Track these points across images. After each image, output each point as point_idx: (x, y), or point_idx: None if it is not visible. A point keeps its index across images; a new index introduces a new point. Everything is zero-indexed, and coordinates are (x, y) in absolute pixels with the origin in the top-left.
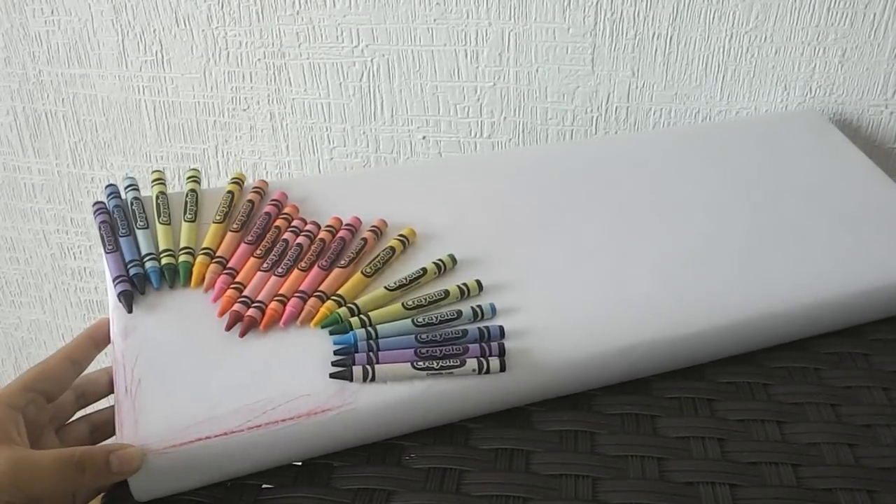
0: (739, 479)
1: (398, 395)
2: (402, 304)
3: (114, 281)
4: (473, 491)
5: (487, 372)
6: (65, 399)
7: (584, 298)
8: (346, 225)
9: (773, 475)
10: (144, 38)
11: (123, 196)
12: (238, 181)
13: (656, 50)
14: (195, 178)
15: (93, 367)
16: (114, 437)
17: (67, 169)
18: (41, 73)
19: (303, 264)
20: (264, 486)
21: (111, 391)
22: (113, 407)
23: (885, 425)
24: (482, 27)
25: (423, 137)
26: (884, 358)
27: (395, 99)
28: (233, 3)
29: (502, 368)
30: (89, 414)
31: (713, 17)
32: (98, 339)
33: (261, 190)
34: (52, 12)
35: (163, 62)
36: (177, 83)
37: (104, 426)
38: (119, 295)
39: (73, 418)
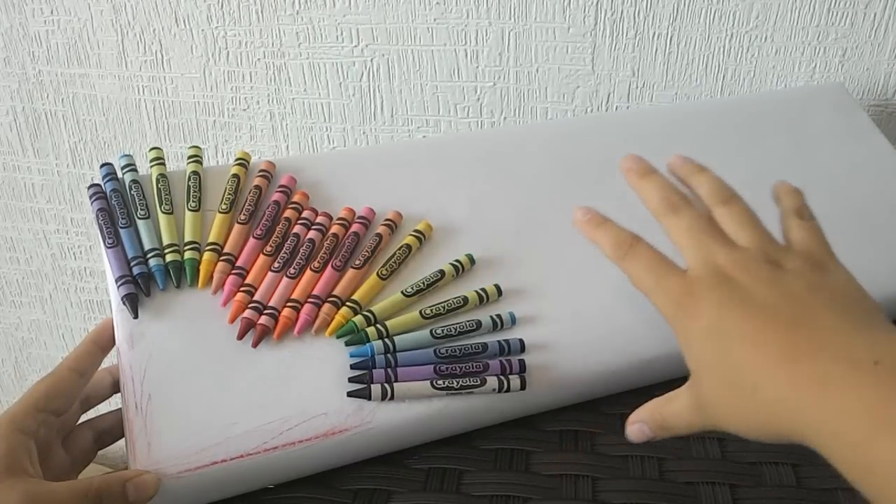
0: (739, 479)
1: (416, 413)
2: (420, 312)
3: (116, 282)
4: (473, 491)
5: (507, 391)
6: (71, 408)
7: (604, 306)
8: (360, 218)
9: (773, 475)
10: (144, 38)
11: (120, 176)
12: (243, 162)
13: (656, 50)
14: (197, 159)
15: None
16: (120, 450)
17: (67, 169)
18: (41, 73)
19: (316, 264)
20: (265, 485)
21: (115, 391)
22: (117, 412)
23: None
24: (482, 27)
25: (423, 137)
26: None
27: (395, 99)
28: (233, 2)
29: (523, 387)
30: (92, 419)
31: (713, 17)
32: (103, 343)
33: (268, 173)
34: (52, 12)
35: (162, 62)
36: (177, 83)
37: (108, 432)
38: (123, 298)
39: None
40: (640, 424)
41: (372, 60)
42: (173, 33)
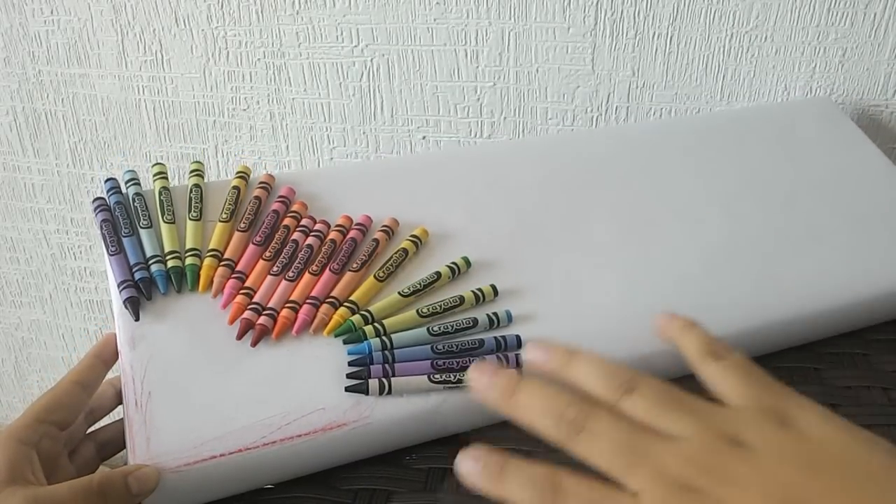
0: None
1: (414, 408)
2: (417, 311)
3: (118, 286)
4: (474, 491)
5: None
6: (76, 422)
7: (601, 304)
8: (357, 224)
9: None
10: (144, 38)
11: (124, 191)
12: (243, 175)
13: (656, 50)
14: (199, 172)
15: None
16: (121, 453)
17: (67, 169)
18: (41, 73)
19: (314, 268)
20: (265, 485)
21: (118, 403)
22: (118, 422)
23: (885, 425)
24: (482, 27)
25: (423, 137)
26: (884, 358)
27: (395, 99)
28: (233, 2)
29: None
30: (94, 431)
31: (713, 17)
32: (106, 357)
33: (267, 185)
34: (52, 12)
35: (162, 62)
36: (177, 83)
37: (110, 443)
38: (125, 302)
39: None
40: None
41: (372, 60)
42: (173, 33)
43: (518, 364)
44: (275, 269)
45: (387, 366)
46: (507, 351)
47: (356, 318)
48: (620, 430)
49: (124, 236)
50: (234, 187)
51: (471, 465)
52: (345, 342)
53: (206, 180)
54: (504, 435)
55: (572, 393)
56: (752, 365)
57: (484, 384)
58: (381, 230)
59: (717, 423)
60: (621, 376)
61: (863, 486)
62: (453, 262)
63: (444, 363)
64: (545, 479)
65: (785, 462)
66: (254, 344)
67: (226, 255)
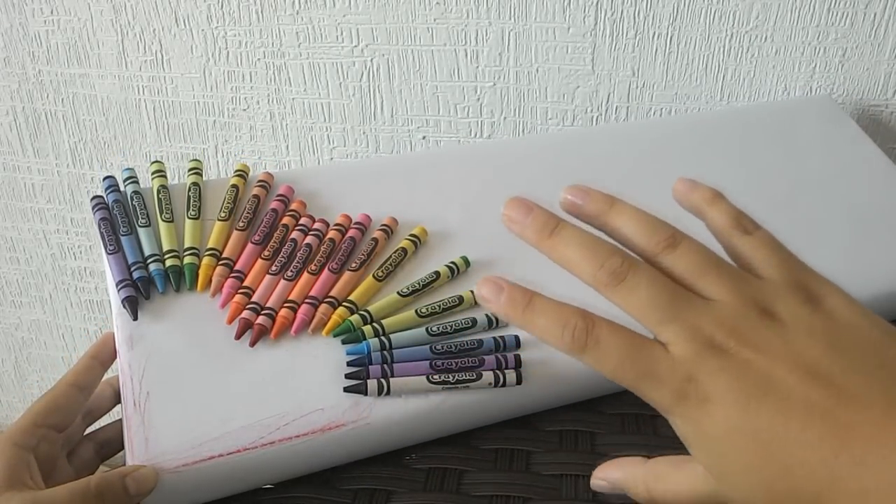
0: None
1: (413, 408)
2: (416, 311)
3: (117, 286)
4: (473, 491)
5: (504, 385)
6: (73, 423)
7: (599, 304)
8: (356, 223)
9: None
10: (144, 38)
11: (122, 189)
12: (242, 174)
13: (656, 50)
14: (197, 171)
15: None
16: (121, 453)
17: (67, 169)
18: (41, 73)
19: (312, 267)
20: (265, 485)
21: (116, 402)
22: (117, 423)
23: None
24: (482, 27)
25: (423, 137)
26: None
27: (395, 99)
28: (233, 2)
29: (518, 381)
30: (93, 432)
31: (713, 17)
32: (103, 358)
33: (266, 184)
34: (52, 12)
35: (162, 62)
36: (176, 83)
37: (109, 443)
38: (123, 301)
39: None
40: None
41: (372, 60)
42: (173, 33)
43: (518, 365)
44: (273, 268)
45: (385, 366)
46: (505, 351)
47: (355, 318)
48: (660, 285)
49: (122, 235)
50: (233, 186)
51: (492, 292)
52: (343, 342)
53: (204, 179)
54: (503, 434)
55: (612, 242)
56: (779, 242)
57: (520, 221)
58: (380, 229)
59: (751, 291)
60: (664, 231)
61: (880, 369)
62: (452, 262)
63: (442, 363)
64: (578, 317)
65: (812, 337)
66: (252, 343)
67: (224, 254)
